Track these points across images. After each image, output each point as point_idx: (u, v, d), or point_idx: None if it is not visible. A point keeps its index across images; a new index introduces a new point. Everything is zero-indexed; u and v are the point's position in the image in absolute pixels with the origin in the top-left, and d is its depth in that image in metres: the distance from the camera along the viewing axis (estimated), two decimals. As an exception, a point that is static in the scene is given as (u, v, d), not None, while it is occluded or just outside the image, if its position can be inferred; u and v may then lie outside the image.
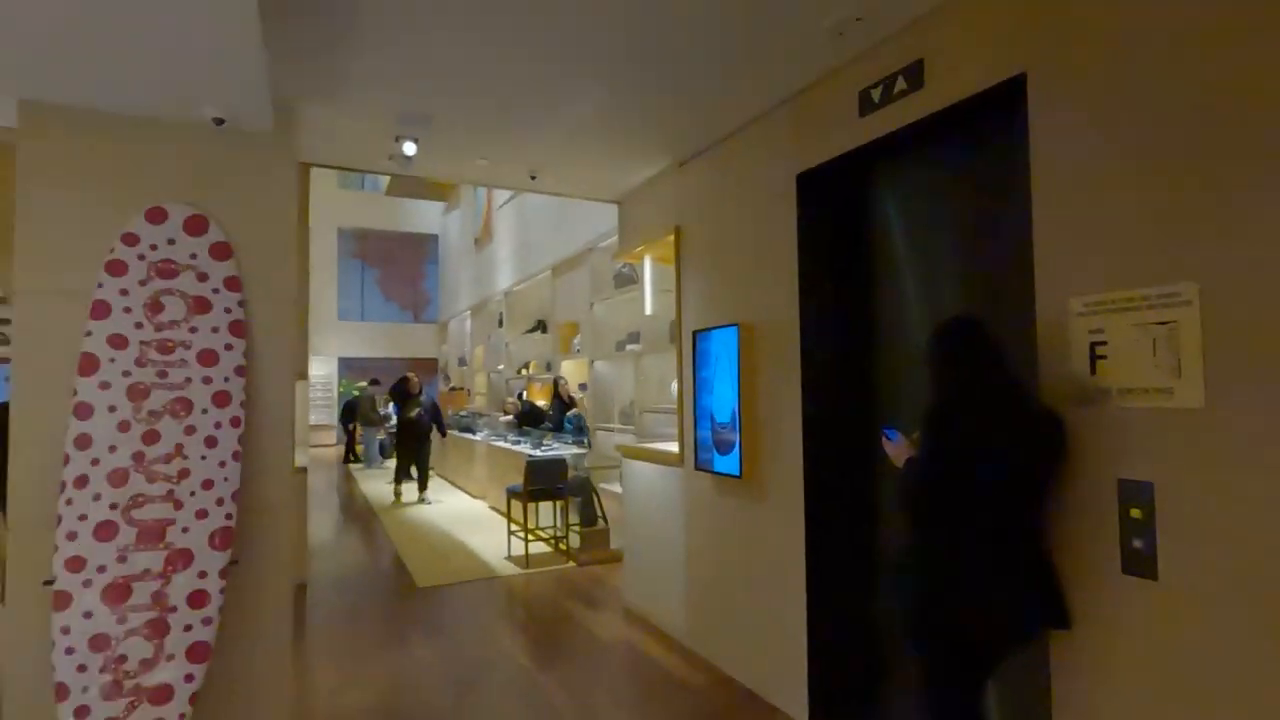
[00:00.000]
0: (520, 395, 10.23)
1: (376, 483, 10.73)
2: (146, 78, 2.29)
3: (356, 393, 15.06)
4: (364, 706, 3.23)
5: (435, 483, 10.69)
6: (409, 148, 3.24)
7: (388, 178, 11.52)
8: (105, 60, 2.16)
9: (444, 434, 9.46)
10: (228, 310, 2.63)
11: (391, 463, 12.69)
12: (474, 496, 8.96)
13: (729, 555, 3.61)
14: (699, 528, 3.88)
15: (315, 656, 3.83)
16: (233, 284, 2.67)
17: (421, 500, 8.85)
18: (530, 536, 5.71)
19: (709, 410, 3.67)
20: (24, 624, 2.32)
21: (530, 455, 6.34)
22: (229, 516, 2.49)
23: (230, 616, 2.49)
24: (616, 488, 6.66)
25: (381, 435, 13.62)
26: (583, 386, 8.12)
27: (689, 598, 3.96)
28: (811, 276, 3.11)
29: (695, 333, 3.80)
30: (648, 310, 5.12)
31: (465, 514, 7.87)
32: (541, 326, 10.53)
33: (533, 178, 3.90)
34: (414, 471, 9.01)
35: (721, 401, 3.55)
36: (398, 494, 9.03)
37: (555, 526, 6.02)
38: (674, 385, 4.35)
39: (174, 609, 2.35)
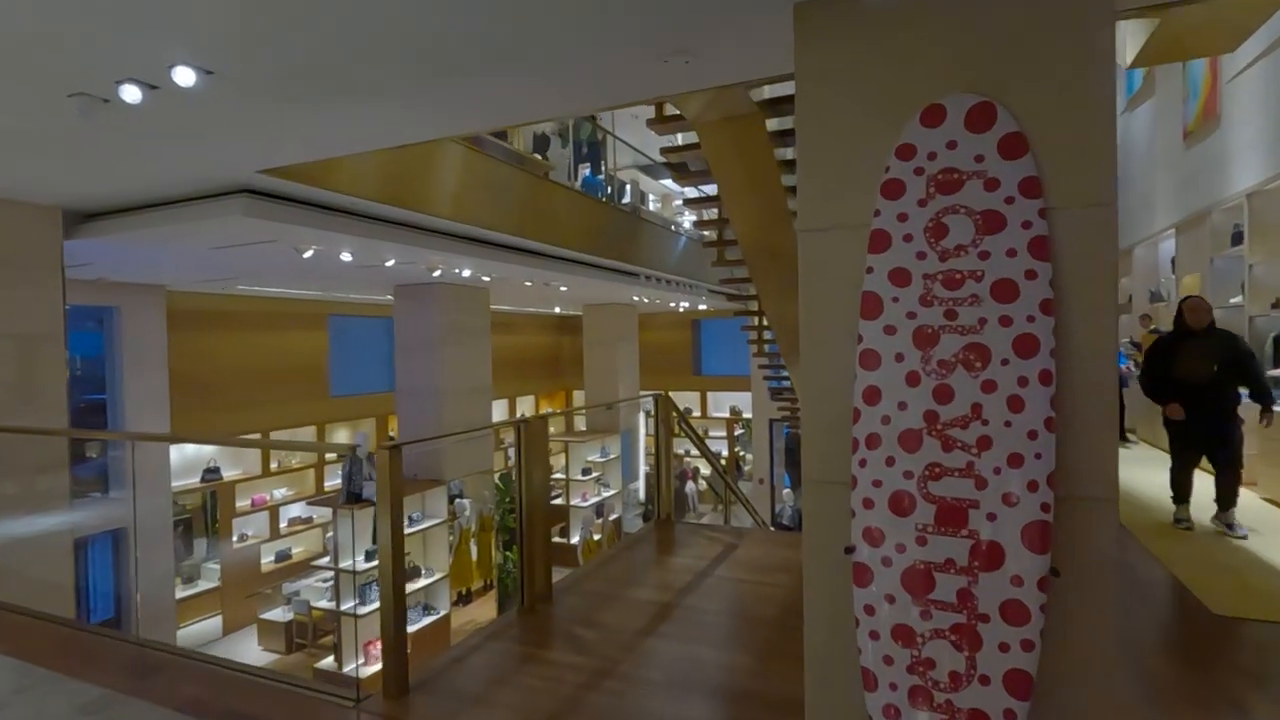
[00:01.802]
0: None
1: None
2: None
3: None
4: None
5: (1142, 452, 8.51)
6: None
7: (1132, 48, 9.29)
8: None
9: (1270, 404, 4.72)
10: (1025, 225, 1.93)
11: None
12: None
13: None
14: None
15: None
16: (1030, 187, 1.95)
17: (1221, 526, 4.86)
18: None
19: None
20: (823, 587, 2.19)
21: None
22: (1045, 508, 1.82)
23: (1049, 643, 1.84)
24: None
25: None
26: None
27: None
28: None
29: None
30: None
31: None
32: (1326, 235, 6.96)
33: None
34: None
35: None
36: (1181, 517, 4.99)
37: None
38: None
39: (985, 618, 1.83)
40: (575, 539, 12.42)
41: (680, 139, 5.66)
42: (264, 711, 2.61)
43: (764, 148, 4.91)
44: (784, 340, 7.12)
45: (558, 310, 16.74)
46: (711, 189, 6.20)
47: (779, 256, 5.78)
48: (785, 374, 10.09)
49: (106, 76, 2.43)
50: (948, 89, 2.06)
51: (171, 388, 9.32)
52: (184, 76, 2.36)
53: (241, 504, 10.94)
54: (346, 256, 6.53)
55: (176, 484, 9.89)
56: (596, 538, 12.28)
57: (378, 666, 8.41)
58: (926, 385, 1.97)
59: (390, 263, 7.04)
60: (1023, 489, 1.83)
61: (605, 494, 13.42)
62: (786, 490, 12.38)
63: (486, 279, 8.95)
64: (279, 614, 10.00)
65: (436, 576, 9.62)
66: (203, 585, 10.44)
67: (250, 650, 9.81)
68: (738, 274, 7.42)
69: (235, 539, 10.75)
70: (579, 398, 18.66)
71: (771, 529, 9.57)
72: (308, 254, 6.12)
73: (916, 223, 2.04)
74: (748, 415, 16.24)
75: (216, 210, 4.78)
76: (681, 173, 6.20)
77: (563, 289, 10.60)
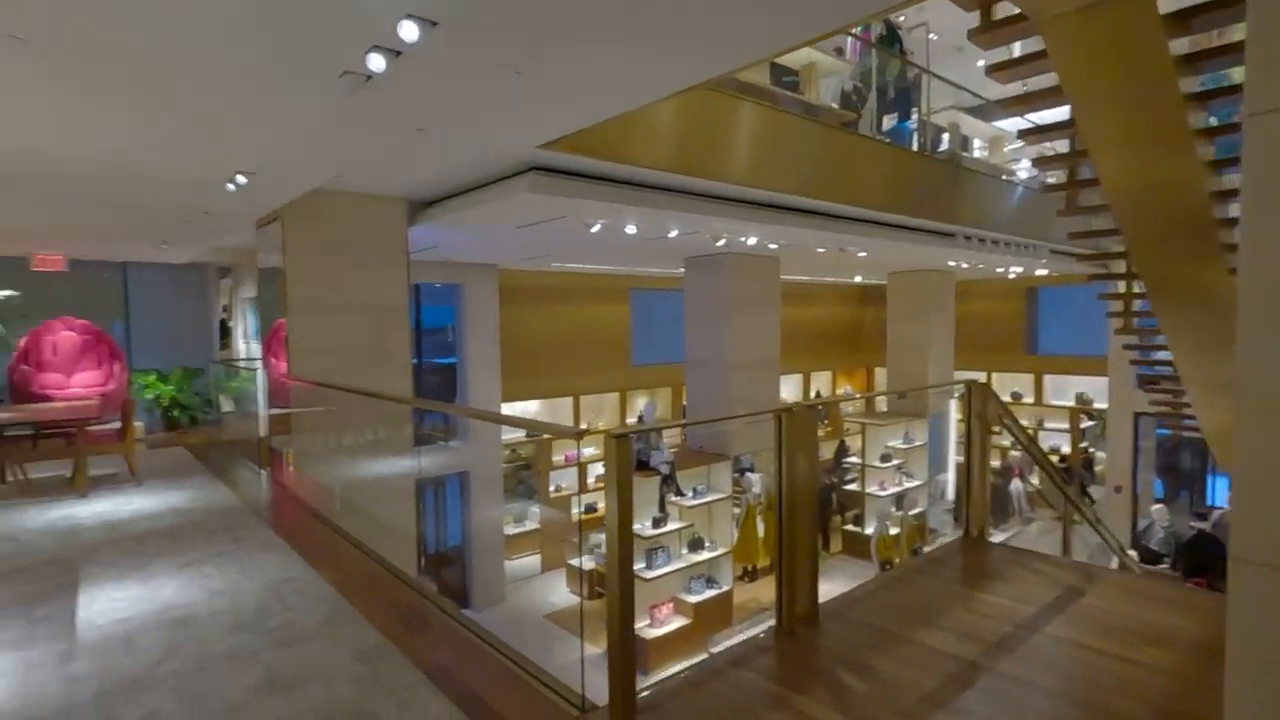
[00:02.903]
0: None
1: None
2: None
3: None
4: None
5: None
6: None
7: None
8: None
9: None
10: None
11: None
12: None
13: None
14: None
15: None
16: None
17: None
18: None
19: None
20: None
21: None
22: None
23: None
24: None
25: None
26: None
27: None
28: None
29: None
30: None
31: None
32: None
33: None
34: None
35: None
36: None
37: None
38: None
39: None
40: (869, 530, 11.34)
41: (1018, 49, 4.34)
42: (495, 698, 2.51)
43: (1152, 38, 3.45)
44: (1171, 313, 5.24)
45: (858, 279, 15.40)
46: (1058, 115, 4.71)
47: (1169, 193, 4.14)
48: (1165, 357, 7.65)
49: (351, 46, 2.46)
50: None
51: (503, 354, 10.69)
52: (409, 31, 2.26)
53: (556, 459, 12.24)
54: (631, 229, 6.54)
55: (507, 437, 11.41)
56: (894, 531, 11.04)
57: (663, 630, 8.64)
58: None
59: (673, 234, 6.89)
60: None
61: (907, 484, 12.02)
62: (1157, 505, 9.53)
63: (773, 246, 8.38)
64: (583, 562, 10.95)
65: (720, 551, 9.55)
66: (529, 525, 11.99)
67: (559, 590, 10.95)
68: (1097, 225, 5.67)
69: (552, 489, 12.09)
70: (880, 376, 17.09)
71: (1133, 556, 7.40)
72: (595, 228, 6.24)
73: None
74: (1100, 406, 13.07)
75: (507, 190, 5.03)
76: (1013, 102, 4.82)
77: (861, 254, 9.51)
